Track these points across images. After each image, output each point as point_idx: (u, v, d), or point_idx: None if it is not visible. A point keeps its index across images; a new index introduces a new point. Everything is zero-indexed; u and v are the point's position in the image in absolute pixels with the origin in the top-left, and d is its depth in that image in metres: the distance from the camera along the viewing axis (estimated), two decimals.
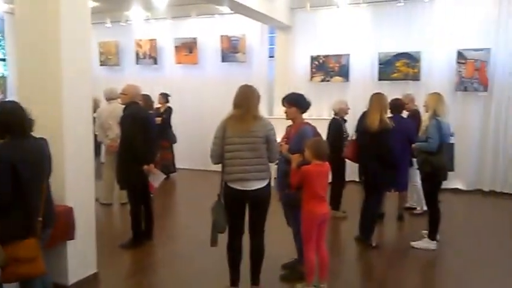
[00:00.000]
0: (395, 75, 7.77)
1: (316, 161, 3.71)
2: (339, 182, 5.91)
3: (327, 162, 3.81)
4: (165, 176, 5.27)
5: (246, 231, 3.69)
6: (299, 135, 3.92)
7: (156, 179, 5.01)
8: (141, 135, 4.72)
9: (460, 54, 7.34)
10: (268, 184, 3.61)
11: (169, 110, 8.32)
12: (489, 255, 4.83)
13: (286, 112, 4.04)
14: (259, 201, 3.58)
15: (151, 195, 5.13)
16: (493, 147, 7.33)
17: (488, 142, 7.34)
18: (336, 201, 5.99)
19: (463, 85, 7.37)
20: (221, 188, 3.63)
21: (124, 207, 5.90)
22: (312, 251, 3.75)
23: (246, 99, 3.53)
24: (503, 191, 7.37)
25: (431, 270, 4.59)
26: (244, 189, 3.49)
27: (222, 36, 8.91)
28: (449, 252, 4.90)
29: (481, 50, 7.23)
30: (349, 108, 6.11)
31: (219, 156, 3.55)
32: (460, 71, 7.37)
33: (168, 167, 8.31)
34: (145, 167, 4.78)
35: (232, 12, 7.78)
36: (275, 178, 4.15)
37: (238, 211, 3.59)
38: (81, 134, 3.91)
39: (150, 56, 9.62)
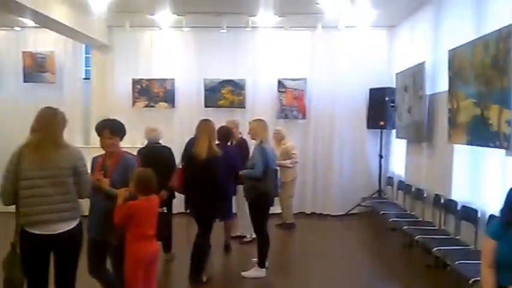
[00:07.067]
0: (221, 102, 7.75)
1: (143, 196, 3.29)
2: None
3: (155, 196, 3.42)
4: None
5: None
6: (122, 166, 3.42)
7: None
8: None
9: (280, 83, 7.71)
10: (78, 225, 3.01)
11: None
12: (317, 275, 5.01)
13: (108, 144, 3.45)
14: (66, 247, 2.98)
15: None
16: (312, 172, 7.77)
17: (308, 167, 7.75)
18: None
19: (284, 113, 7.74)
20: (16, 235, 2.91)
21: None
22: None
23: (45, 123, 2.97)
24: (323, 212, 7.81)
25: None
26: (47, 233, 2.86)
27: (24, 52, 7.84)
28: (279, 276, 4.98)
29: (299, 79, 7.70)
30: None
31: (11, 194, 2.87)
32: (281, 99, 7.73)
33: None
34: None
35: (37, 25, 6.81)
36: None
37: (40, 262, 2.92)
38: None
39: None
